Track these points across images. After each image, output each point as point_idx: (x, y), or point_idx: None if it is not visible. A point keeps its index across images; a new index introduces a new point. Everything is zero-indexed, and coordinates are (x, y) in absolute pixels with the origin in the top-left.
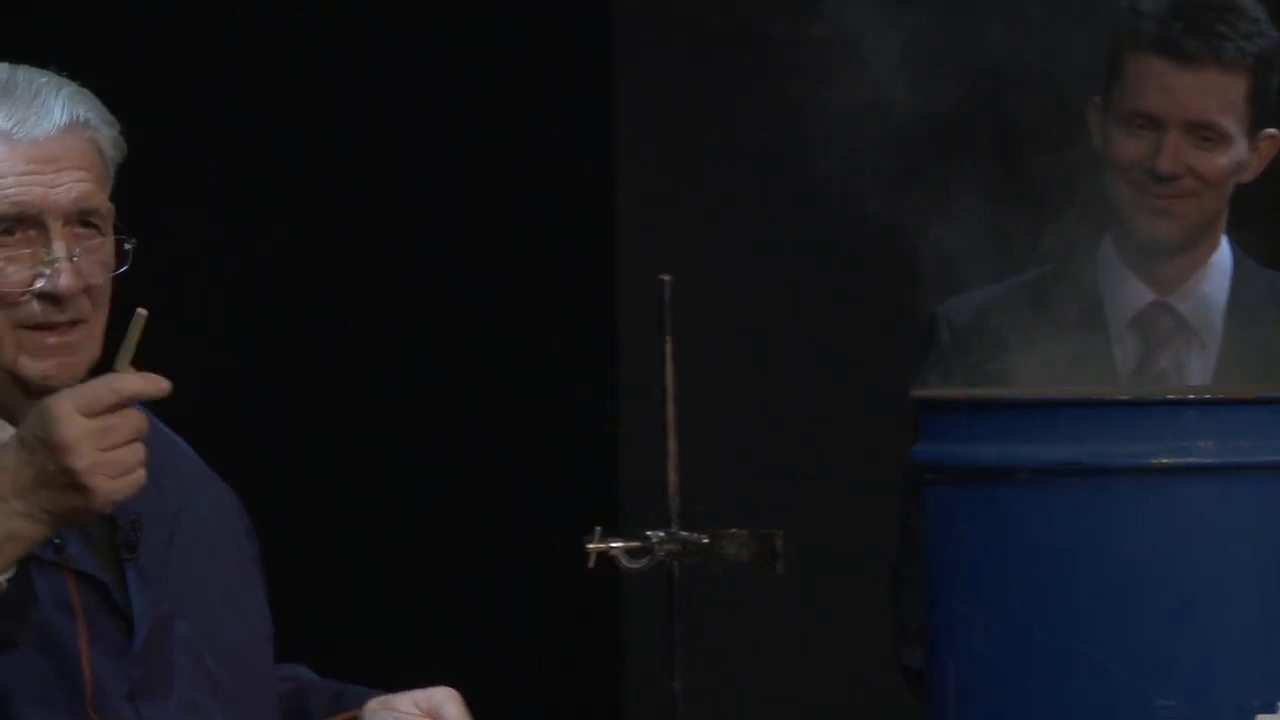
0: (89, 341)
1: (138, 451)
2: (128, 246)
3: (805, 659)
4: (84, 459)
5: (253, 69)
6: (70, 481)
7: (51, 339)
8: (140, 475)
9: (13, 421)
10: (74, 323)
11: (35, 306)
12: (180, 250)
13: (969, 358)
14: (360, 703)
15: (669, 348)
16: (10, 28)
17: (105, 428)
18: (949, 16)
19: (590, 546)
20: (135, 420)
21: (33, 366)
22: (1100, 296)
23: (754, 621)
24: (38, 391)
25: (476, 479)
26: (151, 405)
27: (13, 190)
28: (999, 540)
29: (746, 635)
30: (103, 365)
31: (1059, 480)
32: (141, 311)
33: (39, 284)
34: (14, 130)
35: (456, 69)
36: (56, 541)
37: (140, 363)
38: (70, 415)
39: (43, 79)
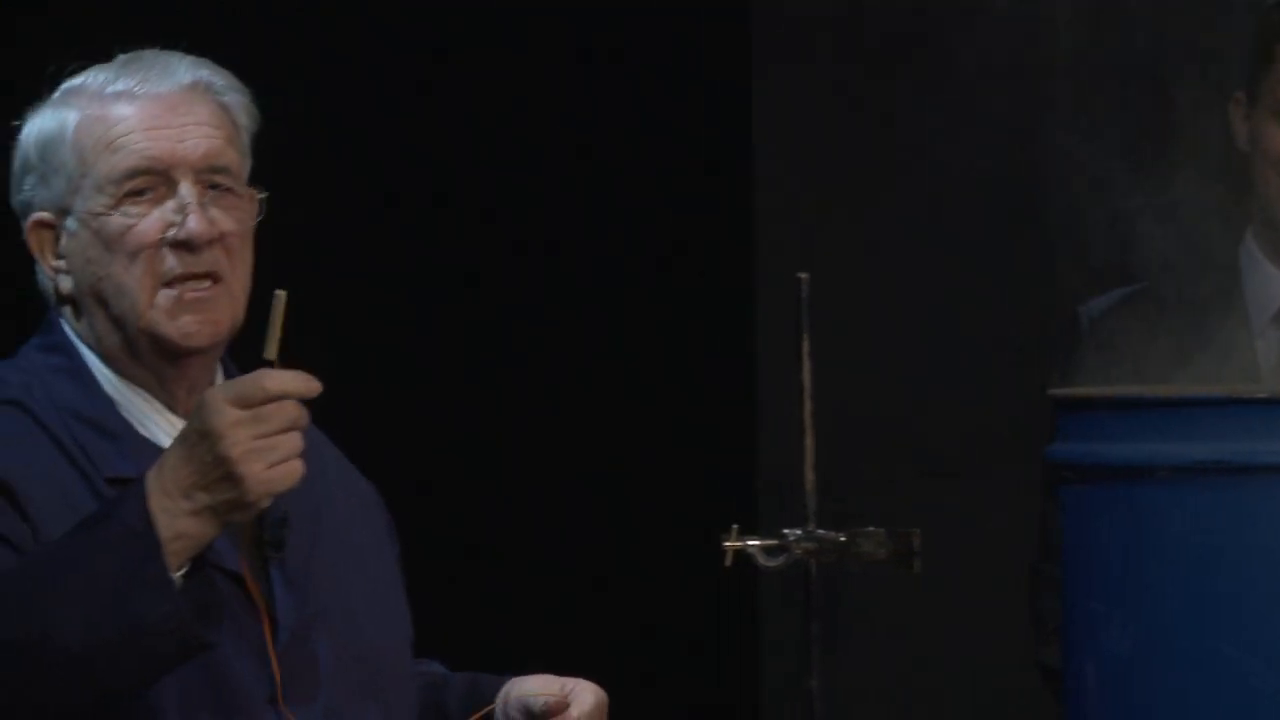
0: (227, 301)
1: (294, 441)
2: (260, 196)
3: (942, 658)
4: (237, 447)
5: (393, 68)
6: (225, 472)
7: (189, 294)
8: (297, 466)
9: (162, 393)
10: (211, 279)
11: (171, 258)
12: (334, 252)
13: (1109, 356)
14: (495, 690)
15: (806, 345)
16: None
17: (258, 415)
18: (1090, 15)
19: (727, 545)
20: (290, 411)
21: (170, 324)
22: (1242, 293)
23: (891, 620)
24: (180, 353)
25: (615, 478)
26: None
27: (141, 144)
28: (1137, 538)
29: (884, 634)
30: (246, 335)
31: (1199, 478)
32: (280, 293)
33: (171, 233)
34: (136, 88)
35: (596, 69)
36: None
37: (284, 344)
38: (222, 404)
39: (164, 52)
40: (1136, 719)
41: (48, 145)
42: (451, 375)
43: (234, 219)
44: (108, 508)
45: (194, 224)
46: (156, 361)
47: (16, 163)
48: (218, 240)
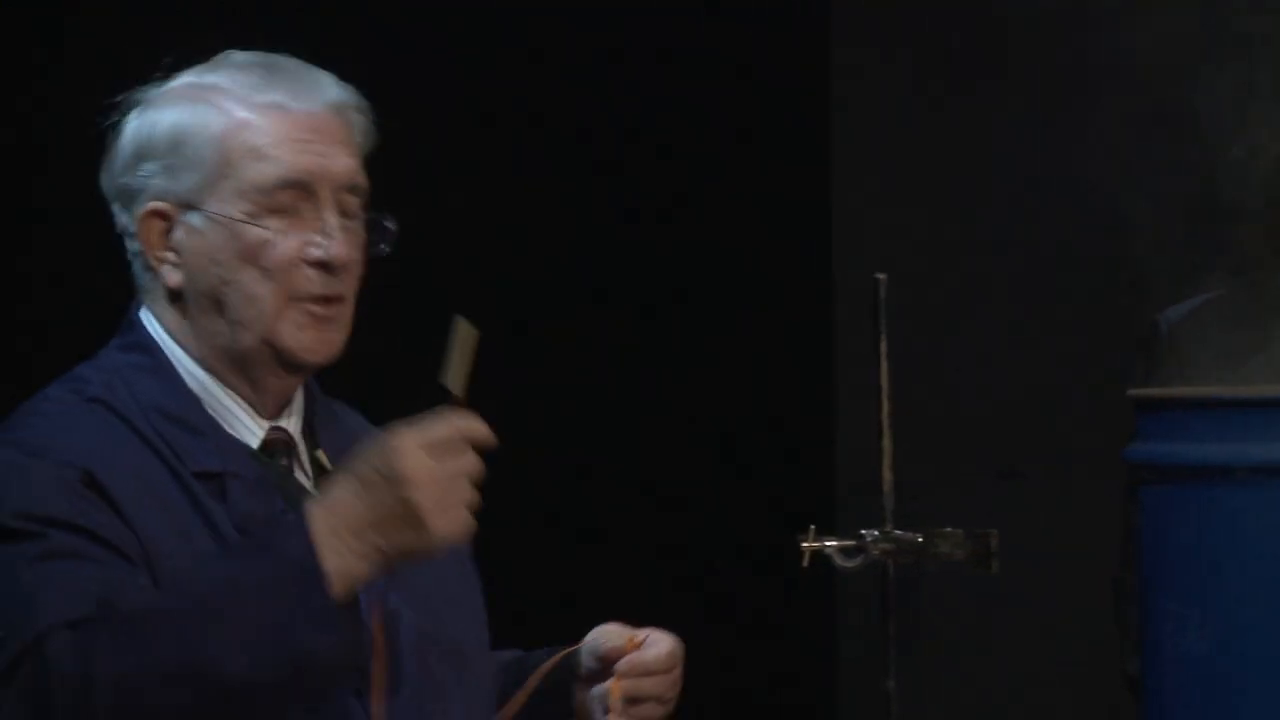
0: (345, 321)
1: (471, 492)
2: (388, 225)
3: (1019, 659)
4: (427, 494)
5: (478, 74)
6: (411, 517)
7: (319, 310)
8: (469, 517)
9: (253, 397)
10: (338, 299)
11: (308, 275)
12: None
13: (1188, 361)
14: (574, 655)
15: (883, 346)
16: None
17: (447, 465)
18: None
19: (805, 545)
20: (473, 461)
21: (296, 337)
22: None
23: (968, 621)
24: (292, 365)
25: (693, 478)
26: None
27: (291, 158)
28: (1216, 539)
29: (961, 635)
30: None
31: (1278, 479)
32: (464, 321)
33: (313, 252)
34: (288, 103)
35: (676, 69)
36: None
37: (471, 378)
38: (415, 451)
39: (301, 63)
40: (1213, 719)
41: (183, 138)
42: (538, 378)
43: (358, 244)
44: (265, 539)
45: (338, 249)
46: (263, 370)
47: (128, 147)
48: (350, 264)
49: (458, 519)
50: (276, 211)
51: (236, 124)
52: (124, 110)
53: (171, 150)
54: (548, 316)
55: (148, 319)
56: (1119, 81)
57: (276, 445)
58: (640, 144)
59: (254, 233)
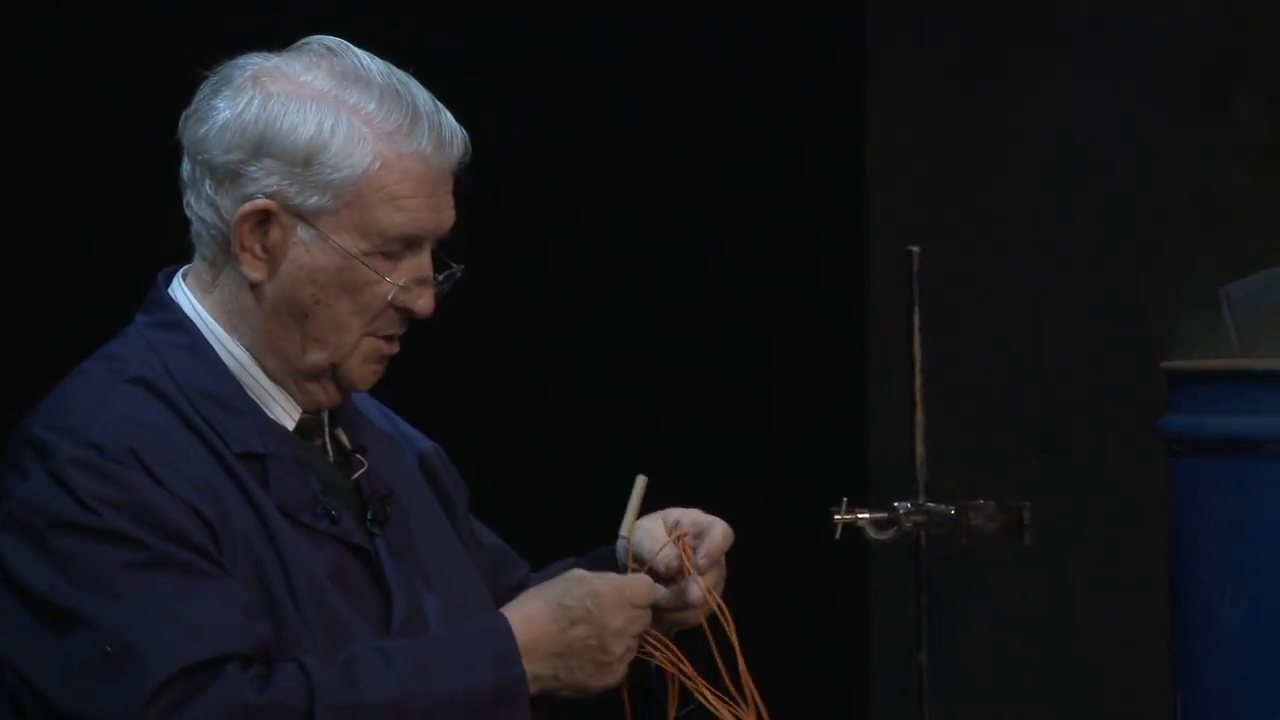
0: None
1: (638, 644)
2: (458, 274)
3: (1051, 631)
4: (623, 645)
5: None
6: (603, 661)
7: (384, 349)
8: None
9: (295, 393)
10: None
11: (392, 317)
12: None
13: (1251, 337)
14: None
15: (917, 319)
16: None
17: (638, 618)
18: None
19: (838, 518)
20: (647, 622)
21: (360, 369)
22: None
23: (1001, 594)
24: (348, 389)
25: (726, 451)
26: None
27: (422, 215)
28: (1248, 511)
29: (993, 608)
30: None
31: None
32: (643, 478)
33: (406, 300)
34: (431, 157)
35: (709, 43)
36: (333, 513)
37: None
38: (626, 605)
39: (435, 102)
40: (1247, 692)
41: (324, 159)
42: (566, 350)
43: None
44: (477, 645)
45: (427, 304)
46: (317, 383)
47: (250, 131)
48: None
49: (625, 667)
50: (386, 256)
51: (381, 166)
52: (233, 70)
53: (304, 162)
54: (577, 293)
55: (180, 293)
56: (1158, 54)
57: (309, 426)
58: (676, 119)
59: (365, 273)
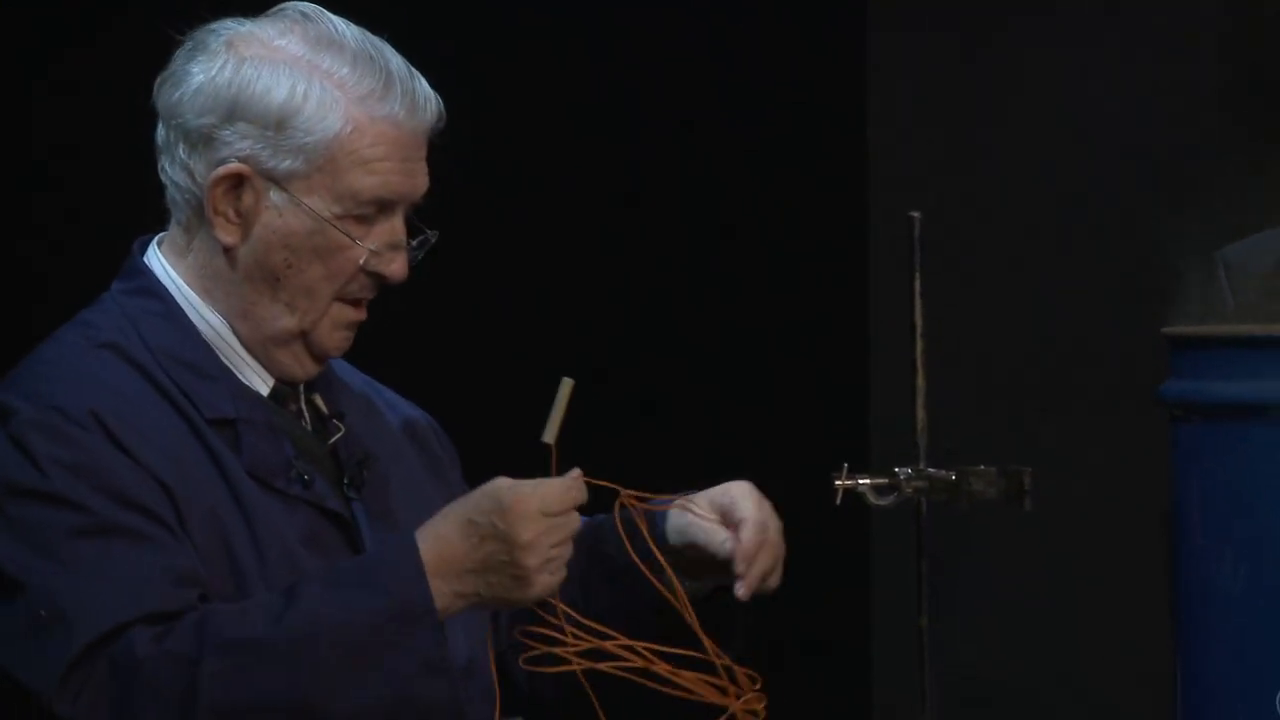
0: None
1: (569, 551)
2: (431, 240)
3: (1052, 597)
4: (537, 557)
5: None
6: (518, 575)
7: (352, 315)
8: (564, 574)
9: (265, 359)
10: (368, 301)
11: (363, 282)
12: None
13: (1248, 300)
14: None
15: (918, 284)
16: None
17: (555, 526)
18: None
19: (838, 483)
20: (575, 522)
21: (330, 335)
22: None
23: (1001, 559)
24: (319, 357)
25: (726, 415)
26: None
27: (392, 178)
28: (1249, 476)
29: (994, 572)
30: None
31: None
32: (568, 380)
33: (375, 264)
34: (403, 121)
35: (709, 6)
36: (306, 478)
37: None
38: (536, 516)
39: (409, 68)
40: (1247, 657)
41: (296, 123)
42: (566, 316)
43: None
44: (376, 572)
45: (400, 269)
46: (287, 349)
47: (221, 94)
48: None
49: (556, 576)
50: (358, 219)
51: (354, 130)
52: (207, 36)
53: (277, 126)
54: (573, 259)
55: (155, 260)
56: (1158, 21)
57: (284, 392)
58: (676, 83)
59: (337, 236)
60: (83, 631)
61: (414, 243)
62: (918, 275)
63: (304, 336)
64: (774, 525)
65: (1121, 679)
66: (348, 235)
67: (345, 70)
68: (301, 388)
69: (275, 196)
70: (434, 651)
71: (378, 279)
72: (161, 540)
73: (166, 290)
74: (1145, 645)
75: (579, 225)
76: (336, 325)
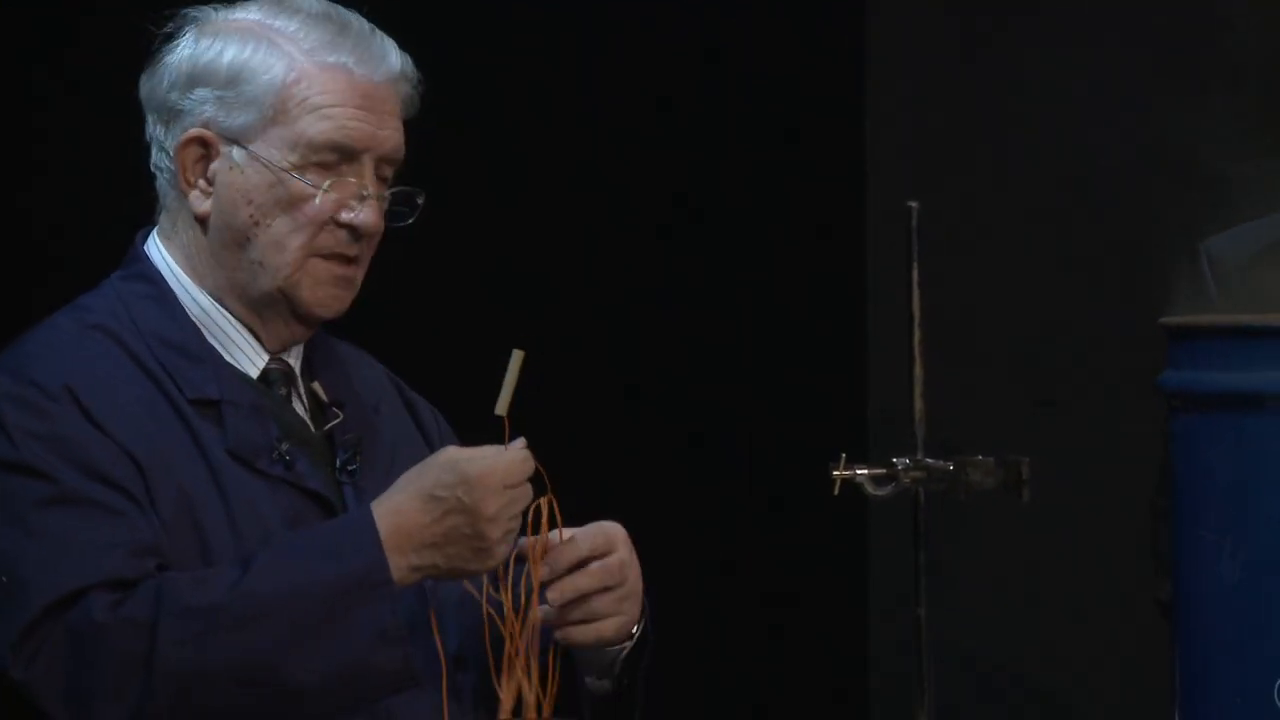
0: (358, 283)
1: (519, 522)
2: (419, 201)
3: (1050, 587)
4: (499, 529)
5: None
6: (480, 547)
7: (337, 269)
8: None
9: (261, 332)
10: (356, 261)
11: (336, 234)
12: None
13: (1233, 291)
14: None
15: (916, 274)
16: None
17: (514, 499)
18: None
19: (836, 473)
20: (528, 494)
21: (313, 291)
22: None
23: (999, 549)
24: (302, 317)
25: (723, 405)
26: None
27: (349, 124)
28: (1247, 467)
29: (992, 563)
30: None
31: None
32: (518, 352)
33: (346, 215)
34: (354, 66)
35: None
36: (287, 459)
37: (517, 400)
38: (499, 489)
39: (371, 27)
40: (1245, 648)
41: (245, 76)
42: (561, 307)
43: (384, 213)
44: (332, 541)
45: (370, 216)
46: (274, 313)
47: (183, 67)
48: (377, 232)
49: (508, 546)
50: (319, 168)
51: (300, 76)
52: (181, 22)
53: (229, 84)
54: (575, 251)
55: (153, 247)
56: (1154, 13)
57: (275, 375)
58: (674, 76)
59: (296, 185)
60: (40, 595)
61: (386, 194)
62: (915, 265)
63: (286, 297)
64: (631, 570)
65: (1119, 669)
66: (306, 183)
67: (294, 26)
68: (299, 373)
69: (236, 155)
70: (388, 620)
71: (351, 231)
72: (126, 512)
73: (160, 275)
74: (1143, 635)
75: (574, 217)
76: (318, 282)
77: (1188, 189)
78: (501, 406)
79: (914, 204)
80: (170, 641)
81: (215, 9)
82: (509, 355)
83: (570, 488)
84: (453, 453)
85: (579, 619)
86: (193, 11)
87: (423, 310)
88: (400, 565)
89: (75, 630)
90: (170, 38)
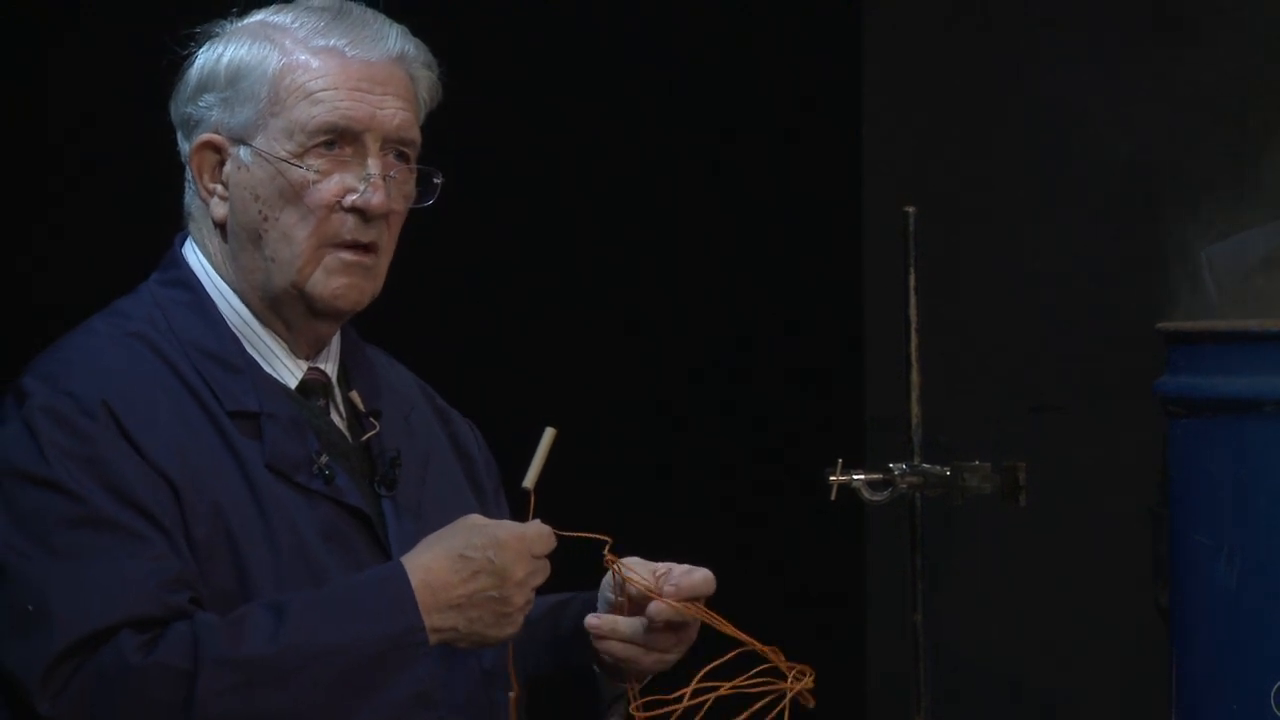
0: (378, 272)
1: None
2: (437, 180)
3: (1047, 592)
4: (524, 595)
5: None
6: (504, 612)
7: (349, 257)
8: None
9: (289, 337)
10: (370, 250)
11: (343, 220)
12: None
13: (1232, 297)
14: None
15: (912, 280)
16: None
17: (539, 569)
18: None
19: (833, 479)
20: (548, 570)
21: (325, 282)
22: None
23: (996, 554)
24: (319, 311)
25: (721, 411)
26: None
27: (343, 104)
28: (1246, 472)
29: (989, 568)
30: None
31: None
32: (551, 430)
33: (350, 198)
34: (347, 48)
35: (700, 1)
36: (327, 473)
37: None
38: (527, 556)
39: (374, 13)
40: (1243, 652)
41: (242, 73)
42: (559, 313)
43: (402, 196)
44: (369, 601)
45: (376, 197)
46: (293, 311)
47: (194, 77)
48: (387, 214)
49: (520, 622)
50: (320, 153)
51: (291, 64)
52: (199, 42)
53: (229, 84)
54: (570, 255)
55: (191, 253)
56: (1152, 12)
57: (314, 386)
58: (672, 78)
59: (295, 173)
60: (66, 631)
61: (393, 173)
62: (912, 270)
63: (301, 295)
64: (700, 604)
65: (1116, 674)
66: (306, 169)
67: (289, 19)
68: (336, 383)
69: (243, 154)
70: (427, 683)
71: (359, 215)
72: (155, 542)
73: (199, 281)
74: (1141, 639)
75: (568, 224)
76: (330, 273)
77: (1189, 193)
78: (530, 480)
79: (911, 209)
80: (210, 692)
81: (231, 20)
82: (541, 432)
83: (568, 491)
84: (479, 518)
85: (658, 646)
86: (211, 27)
87: (423, 312)
88: (429, 627)
89: (106, 673)
90: (191, 57)
